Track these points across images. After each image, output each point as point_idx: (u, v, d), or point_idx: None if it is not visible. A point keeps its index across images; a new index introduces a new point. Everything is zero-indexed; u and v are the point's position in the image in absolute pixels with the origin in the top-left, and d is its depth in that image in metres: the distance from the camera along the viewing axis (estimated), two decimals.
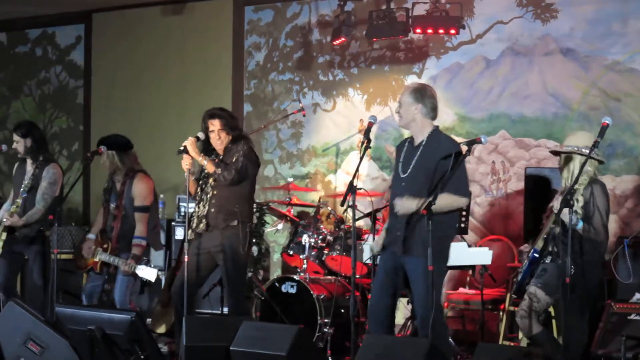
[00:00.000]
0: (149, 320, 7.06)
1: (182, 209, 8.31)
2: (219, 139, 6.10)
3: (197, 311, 6.94)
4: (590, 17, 7.31)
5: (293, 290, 6.84)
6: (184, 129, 7.45)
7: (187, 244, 6.02)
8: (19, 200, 6.80)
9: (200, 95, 8.91)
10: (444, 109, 7.38)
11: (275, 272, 8.51)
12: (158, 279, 6.28)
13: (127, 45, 9.58)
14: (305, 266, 7.00)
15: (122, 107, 9.57)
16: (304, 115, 8.22)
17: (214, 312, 7.24)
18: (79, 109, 9.92)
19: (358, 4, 8.11)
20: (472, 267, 6.74)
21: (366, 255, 6.58)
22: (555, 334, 5.98)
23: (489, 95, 7.74)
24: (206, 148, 6.17)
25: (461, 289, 7.11)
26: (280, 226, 7.60)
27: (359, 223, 7.50)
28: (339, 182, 8.35)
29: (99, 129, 9.23)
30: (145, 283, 6.55)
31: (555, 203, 5.47)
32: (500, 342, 6.38)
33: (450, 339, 6.14)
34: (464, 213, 6.65)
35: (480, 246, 7.01)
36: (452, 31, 7.42)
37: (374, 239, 6.03)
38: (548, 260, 5.60)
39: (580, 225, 5.35)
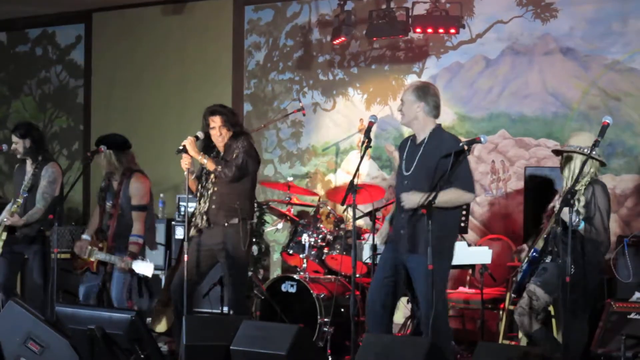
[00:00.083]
0: (148, 319, 7.05)
1: (182, 209, 8.30)
2: (220, 136, 6.10)
3: (197, 310, 6.95)
4: (590, 17, 7.30)
5: (293, 290, 6.85)
6: (184, 129, 7.43)
7: (187, 243, 6.02)
8: (20, 200, 6.80)
9: (200, 94, 8.89)
10: (444, 108, 7.25)
11: (275, 272, 8.51)
12: (158, 279, 6.27)
13: (127, 45, 9.58)
14: (305, 265, 7.01)
15: (122, 107, 9.57)
16: (304, 115, 8.22)
17: (214, 311, 7.23)
18: (79, 108, 9.93)
19: (358, 4, 8.12)
20: (472, 266, 6.75)
21: (366, 255, 6.59)
22: (554, 333, 5.98)
23: (488, 94, 7.74)
24: (206, 146, 6.18)
25: (461, 288, 7.11)
26: (280, 225, 7.60)
27: (359, 222, 7.51)
28: (339, 182, 8.35)
29: (99, 128, 9.22)
30: (145, 283, 6.55)
31: (557, 203, 5.47)
32: (500, 342, 6.37)
33: None
34: (464, 212, 6.65)
35: (480, 245, 7.01)
36: (452, 31, 7.42)
37: (374, 238, 6.03)
38: (548, 259, 5.60)
39: (582, 225, 5.35)
